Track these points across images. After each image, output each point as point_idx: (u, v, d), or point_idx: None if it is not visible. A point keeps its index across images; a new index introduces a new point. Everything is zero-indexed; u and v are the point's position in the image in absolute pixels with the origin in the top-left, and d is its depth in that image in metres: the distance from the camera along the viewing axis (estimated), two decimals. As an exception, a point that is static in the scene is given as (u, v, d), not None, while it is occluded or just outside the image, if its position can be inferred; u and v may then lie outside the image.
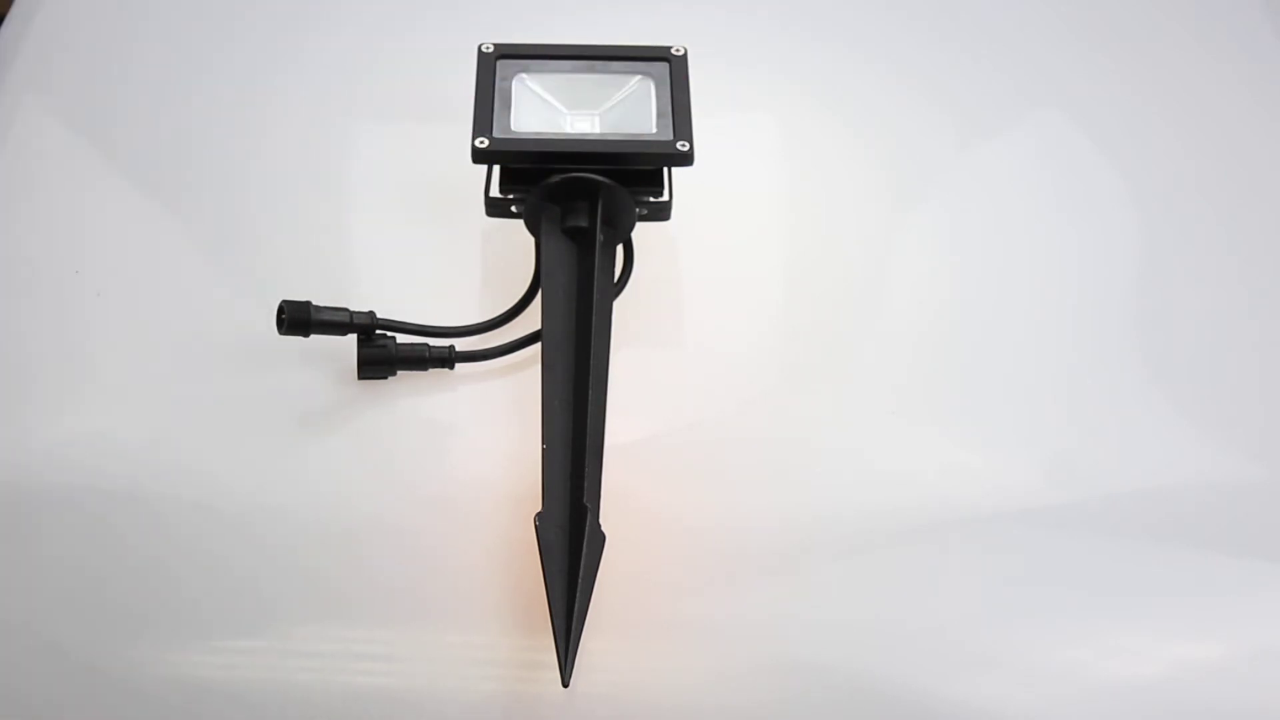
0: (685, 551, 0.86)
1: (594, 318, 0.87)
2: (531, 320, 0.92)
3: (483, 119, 0.94)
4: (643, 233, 0.96)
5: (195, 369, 0.94)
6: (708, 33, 1.06)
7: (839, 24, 1.20)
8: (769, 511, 0.89)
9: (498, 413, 0.92)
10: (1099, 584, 0.87)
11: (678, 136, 0.94)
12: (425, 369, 0.93)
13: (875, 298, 1.02)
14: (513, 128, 0.95)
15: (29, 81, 1.13)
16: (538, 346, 0.89)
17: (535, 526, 0.78)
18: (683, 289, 1.01)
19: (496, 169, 0.95)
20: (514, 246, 0.96)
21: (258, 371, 0.94)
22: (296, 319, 0.90)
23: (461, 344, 0.93)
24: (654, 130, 0.95)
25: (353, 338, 0.92)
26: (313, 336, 0.91)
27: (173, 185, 1.05)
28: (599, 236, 0.91)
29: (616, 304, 0.91)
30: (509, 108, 0.96)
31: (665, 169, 0.95)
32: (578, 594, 0.76)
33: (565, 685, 0.75)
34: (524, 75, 0.98)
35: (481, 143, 0.93)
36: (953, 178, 1.10)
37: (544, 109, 0.97)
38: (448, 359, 0.92)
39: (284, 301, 0.91)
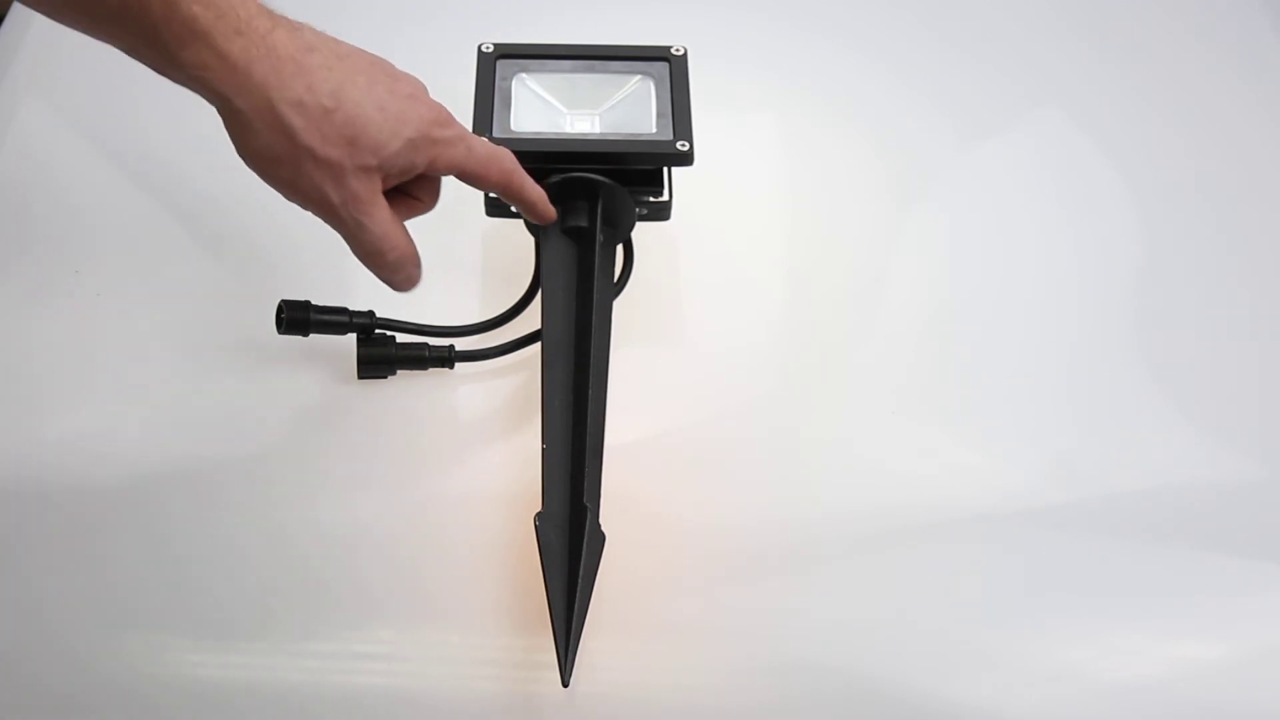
0: (685, 551, 0.86)
1: (594, 317, 0.87)
2: (531, 320, 0.92)
3: (482, 119, 0.94)
4: (643, 233, 0.96)
5: (194, 368, 0.94)
6: (708, 33, 1.06)
7: (839, 24, 1.20)
8: (769, 511, 0.89)
9: (498, 413, 0.92)
10: (1099, 584, 0.87)
11: (678, 136, 0.94)
12: (425, 368, 0.93)
13: (876, 297, 1.02)
14: (512, 127, 0.95)
15: (29, 81, 1.13)
16: (538, 346, 0.89)
17: (535, 526, 0.78)
18: (683, 289, 1.01)
19: (497, 169, 0.95)
20: (514, 246, 0.96)
21: (257, 371, 0.94)
22: (296, 318, 0.90)
23: (461, 343, 0.93)
24: (654, 130, 0.95)
25: (352, 337, 0.92)
26: (312, 336, 0.91)
27: (172, 184, 1.05)
28: (599, 236, 0.91)
29: (616, 304, 0.91)
30: (509, 107, 0.96)
31: (665, 169, 0.95)
32: (578, 594, 0.76)
33: (565, 685, 0.75)
34: (524, 75, 0.98)
35: (482, 142, 0.93)
36: (953, 177, 1.10)
37: (544, 109, 0.97)
38: (447, 358, 0.92)
39: (283, 301, 0.91)
